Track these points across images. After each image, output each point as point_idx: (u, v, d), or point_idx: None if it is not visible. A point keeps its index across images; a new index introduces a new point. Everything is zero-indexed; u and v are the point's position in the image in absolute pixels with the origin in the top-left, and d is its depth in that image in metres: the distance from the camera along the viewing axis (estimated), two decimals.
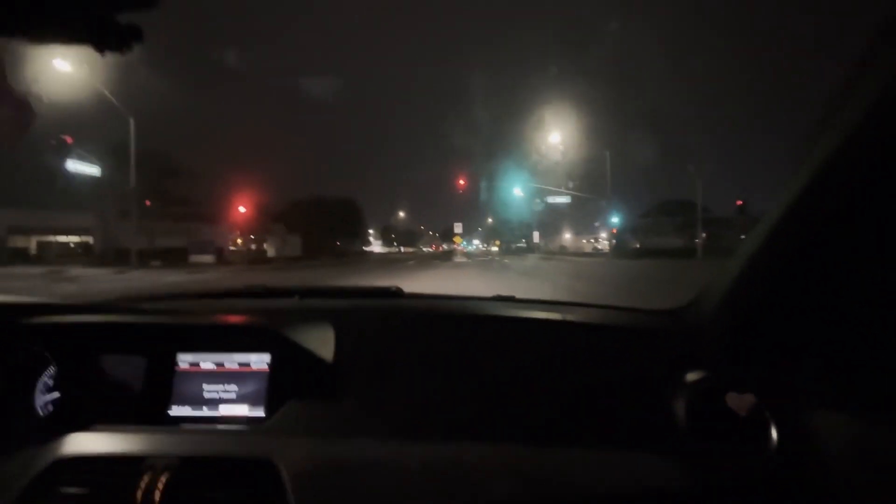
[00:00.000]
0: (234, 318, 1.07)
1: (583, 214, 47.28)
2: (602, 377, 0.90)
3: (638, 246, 37.20)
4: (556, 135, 29.79)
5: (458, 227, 41.42)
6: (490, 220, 75.07)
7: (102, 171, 18.59)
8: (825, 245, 0.62)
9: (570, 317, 1.03)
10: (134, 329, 1.04)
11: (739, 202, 26.70)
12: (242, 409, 0.96)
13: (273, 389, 0.96)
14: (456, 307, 1.14)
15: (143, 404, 0.98)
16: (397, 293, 1.20)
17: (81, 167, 17.36)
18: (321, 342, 0.97)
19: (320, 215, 40.97)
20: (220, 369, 0.99)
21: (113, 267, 18.29)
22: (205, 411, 0.97)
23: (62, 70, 15.44)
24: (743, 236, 0.81)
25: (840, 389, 0.71)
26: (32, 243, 26.84)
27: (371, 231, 64.91)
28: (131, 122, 19.10)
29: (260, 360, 0.99)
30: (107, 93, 17.45)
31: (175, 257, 24.03)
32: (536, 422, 0.87)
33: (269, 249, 36.56)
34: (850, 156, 0.53)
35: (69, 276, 13.63)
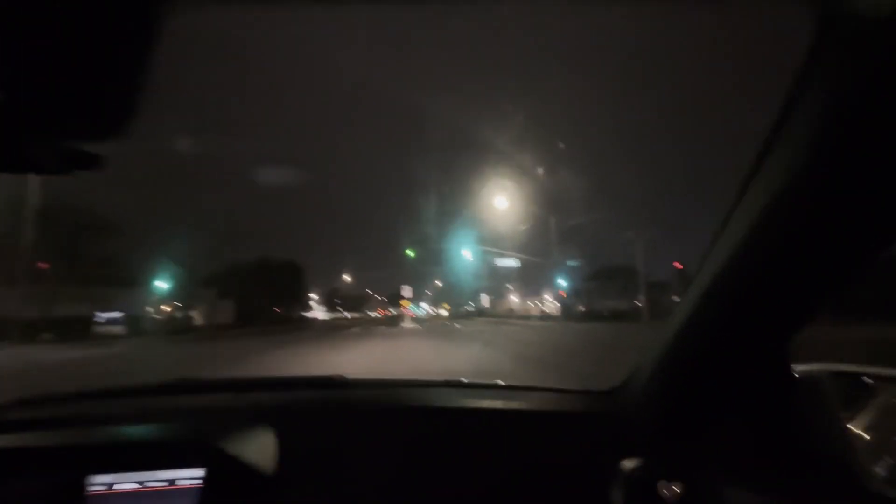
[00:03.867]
0: (159, 429, 0.92)
1: (529, 277, 48.31)
2: (545, 465, 0.91)
3: (583, 309, 38.00)
4: (503, 200, 30.92)
5: (406, 291, 40.04)
6: (439, 283, 74.85)
7: None
8: (741, 314, 0.63)
9: (513, 405, 1.03)
10: (34, 451, 0.86)
11: (678, 264, 27.86)
12: None
13: None
14: (403, 397, 1.10)
15: None
16: (341, 383, 1.14)
17: None
18: (261, 450, 0.88)
19: (257, 279, 38.45)
20: (142, 489, 0.83)
21: None
22: None
23: None
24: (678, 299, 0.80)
25: (769, 466, 0.74)
26: None
27: (314, 296, 62.01)
28: None
29: (190, 477, 0.83)
30: None
31: (76, 328, 20.80)
32: None
33: (197, 317, 33.16)
34: (774, 218, 0.53)
35: None
